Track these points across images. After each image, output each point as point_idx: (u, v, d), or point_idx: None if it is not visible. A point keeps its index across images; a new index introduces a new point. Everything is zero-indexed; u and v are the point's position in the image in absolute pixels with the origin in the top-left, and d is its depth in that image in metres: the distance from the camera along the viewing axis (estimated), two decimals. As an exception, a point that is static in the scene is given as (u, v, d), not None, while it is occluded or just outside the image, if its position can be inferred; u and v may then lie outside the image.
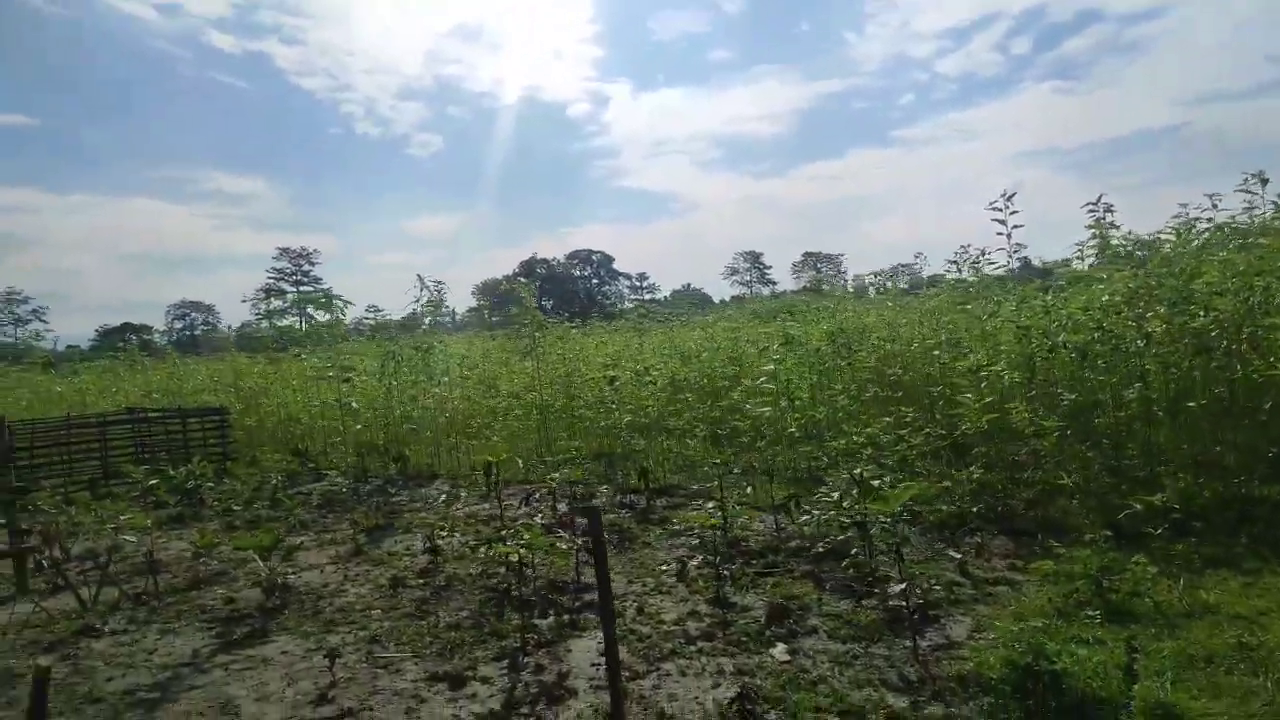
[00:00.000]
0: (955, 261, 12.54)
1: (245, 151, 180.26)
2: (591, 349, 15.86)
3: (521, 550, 5.93)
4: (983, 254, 11.32)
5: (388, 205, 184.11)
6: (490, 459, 12.16)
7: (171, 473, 12.27)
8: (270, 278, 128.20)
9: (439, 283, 14.83)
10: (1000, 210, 9.75)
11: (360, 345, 17.76)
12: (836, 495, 6.85)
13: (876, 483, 6.48)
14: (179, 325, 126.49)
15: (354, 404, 13.11)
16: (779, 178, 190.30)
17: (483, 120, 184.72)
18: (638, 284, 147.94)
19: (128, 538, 9.94)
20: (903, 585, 5.28)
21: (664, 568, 7.60)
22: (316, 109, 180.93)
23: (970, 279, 11.62)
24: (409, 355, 14.63)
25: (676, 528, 8.95)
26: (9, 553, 8.15)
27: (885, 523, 6.31)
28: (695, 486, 11.09)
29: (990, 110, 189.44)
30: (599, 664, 5.41)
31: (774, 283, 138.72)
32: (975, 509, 8.17)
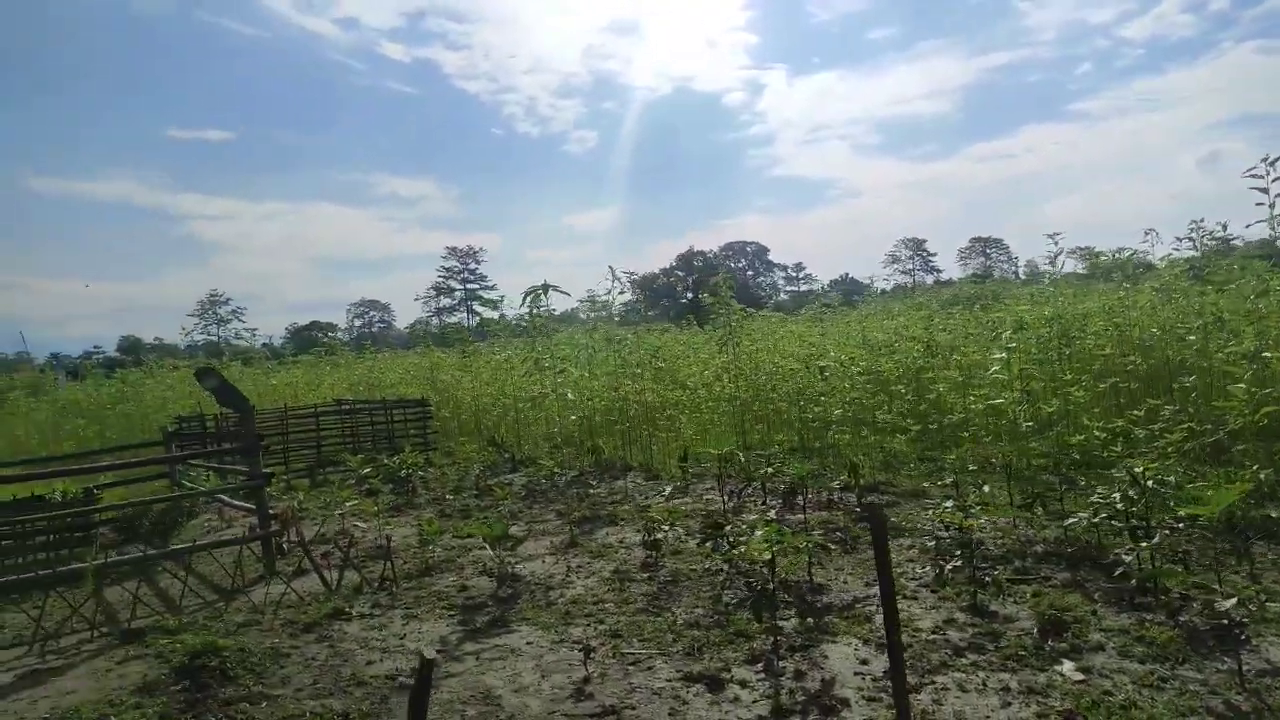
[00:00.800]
0: (1190, 237, 11.36)
1: (415, 155, 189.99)
2: (784, 340, 15.45)
3: (768, 547, 5.67)
4: (1223, 228, 10.17)
5: (547, 202, 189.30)
6: (688, 451, 12.05)
7: (386, 461, 12.84)
8: (440, 276, 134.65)
9: (623, 274, 14.89)
10: (1261, 177, 8.70)
11: (553, 338, 18.11)
12: (1115, 495, 6.19)
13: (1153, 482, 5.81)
14: (358, 323, 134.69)
15: (569, 394, 13.25)
16: (943, 160, 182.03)
17: (637, 114, 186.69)
18: (793, 274, 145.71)
19: (358, 524, 10.46)
20: (1231, 600, 4.64)
21: (899, 570, 7.17)
22: (480, 111, 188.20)
23: (1196, 255, 10.51)
24: (601, 347, 14.72)
25: (900, 527, 8.49)
26: (260, 536, 8.68)
27: (1176, 527, 5.63)
28: (905, 485, 10.54)
29: (1181, 77, 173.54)
30: (863, 673, 5.08)
31: (938, 270, 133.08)
32: (1256, 513, 7.26)
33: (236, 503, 10.15)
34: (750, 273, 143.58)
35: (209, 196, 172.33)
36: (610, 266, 14.46)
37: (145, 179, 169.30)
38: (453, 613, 7.00)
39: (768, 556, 5.79)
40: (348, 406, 17.57)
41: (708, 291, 13.86)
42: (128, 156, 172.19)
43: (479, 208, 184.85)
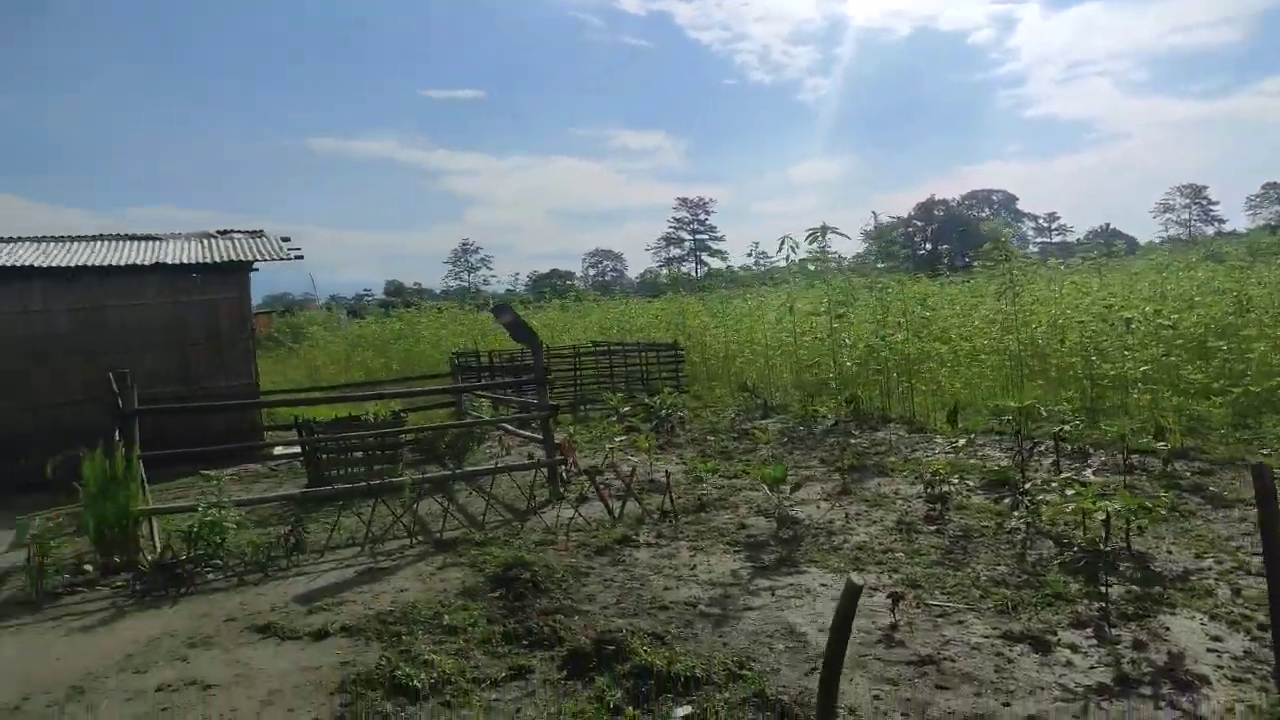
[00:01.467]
0: None
1: (647, 108, 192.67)
2: (1066, 292, 14.21)
3: (1099, 508, 5.21)
4: None
5: (776, 153, 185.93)
6: (958, 405, 11.44)
7: (647, 400, 13.23)
8: (670, 226, 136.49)
9: (879, 214, 14.24)
10: None
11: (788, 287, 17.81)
12: None
13: None
14: (592, 272, 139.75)
15: (846, 340, 12.98)
16: (1229, 96, 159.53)
17: (873, 59, 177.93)
18: (1045, 225, 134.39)
19: (628, 458, 10.86)
20: None
21: (1233, 543, 6.41)
22: (712, 61, 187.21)
23: None
24: (860, 296, 14.25)
25: (1221, 498, 7.60)
26: (548, 463, 9.22)
27: None
28: (1218, 452, 9.42)
29: None
30: (1217, 650, 4.58)
31: (1220, 220, 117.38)
32: None
33: (522, 432, 10.83)
34: (995, 222, 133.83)
35: (459, 152, 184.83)
36: (874, 212, 13.90)
37: (405, 137, 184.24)
38: (736, 549, 7.09)
39: (1101, 517, 5.33)
40: (603, 348, 18.27)
41: (989, 237, 12.94)
42: (389, 116, 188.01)
43: (707, 160, 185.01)
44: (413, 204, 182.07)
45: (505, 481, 9.91)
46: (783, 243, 14.17)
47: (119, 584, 7.21)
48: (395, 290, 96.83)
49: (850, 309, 13.50)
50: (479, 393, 13.29)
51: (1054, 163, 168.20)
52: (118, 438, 9.83)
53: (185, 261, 13.11)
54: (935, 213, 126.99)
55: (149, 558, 7.28)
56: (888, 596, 5.33)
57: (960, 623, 5.17)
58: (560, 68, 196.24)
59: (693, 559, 6.89)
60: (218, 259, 13.36)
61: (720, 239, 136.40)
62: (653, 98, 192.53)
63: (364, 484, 8.47)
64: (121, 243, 14.29)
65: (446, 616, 5.79)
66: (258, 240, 14.98)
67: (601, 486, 8.56)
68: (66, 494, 10.73)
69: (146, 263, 12.90)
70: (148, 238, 14.72)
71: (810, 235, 13.27)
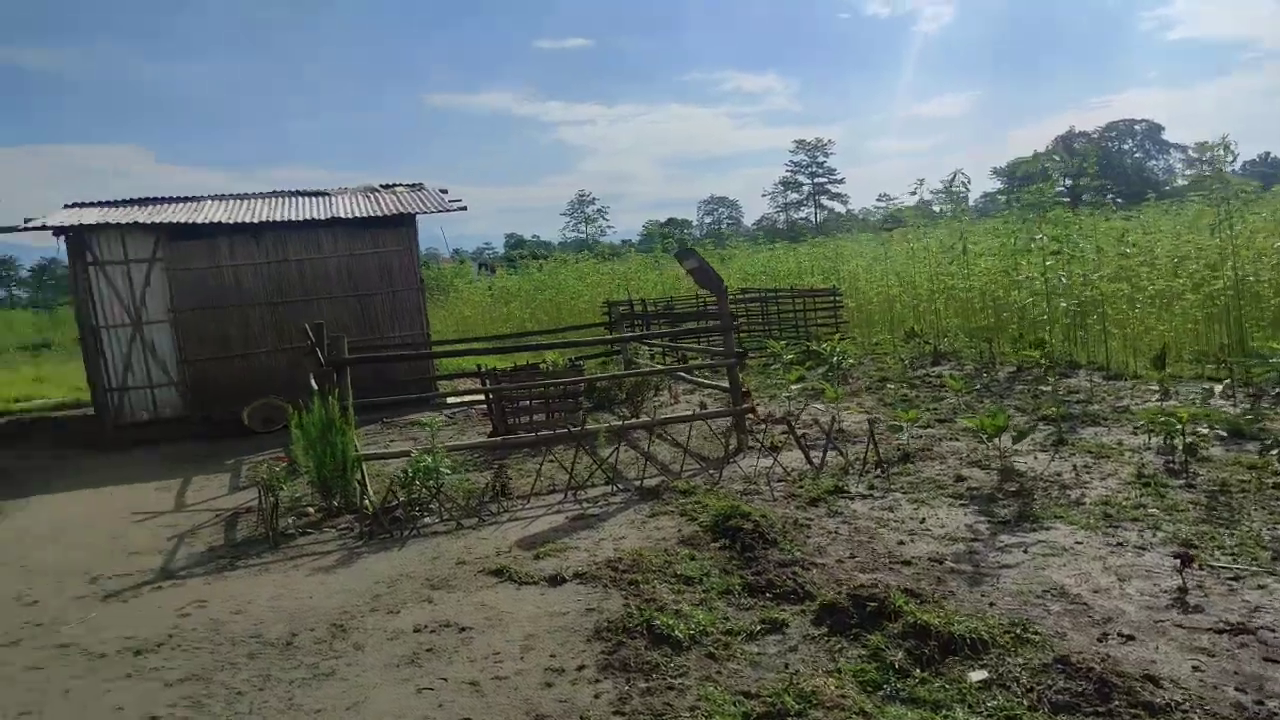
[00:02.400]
0: None
1: (759, 49, 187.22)
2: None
3: None
4: None
5: (894, 90, 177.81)
6: (1165, 348, 10.58)
7: (817, 347, 12.85)
8: (788, 170, 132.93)
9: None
10: None
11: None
12: None
13: None
14: (708, 220, 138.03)
15: (1063, 279, 12.17)
16: None
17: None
18: (1195, 156, 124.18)
19: (817, 406, 10.57)
20: None
21: None
22: None
23: None
24: (1042, 238, 13.33)
25: None
26: (738, 410, 9.04)
27: None
28: None
29: None
30: None
31: None
32: None
33: (699, 379, 10.67)
34: (1139, 155, 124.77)
35: (571, 104, 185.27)
36: (1041, 152, 12.86)
37: (518, 90, 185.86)
38: (962, 502, 6.73)
39: None
40: (754, 295, 17.91)
41: (1133, 171, 11.82)
42: (503, 70, 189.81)
43: (821, 100, 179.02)
44: (527, 157, 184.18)
45: (682, 429, 9.81)
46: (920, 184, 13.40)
47: (343, 526, 7.48)
48: (515, 243, 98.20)
49: (1034, 248, 12.61)
50: (650, 342, 13.19)
51: (1204, 88, 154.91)
52: (317, 386, 10.22)
53: (358, 215, 13.45)
54: (1074, 145, 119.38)
55: (371, 502, 7.51)
56: (1174, 556, 4.89)
57: (1263, 588, 4.69)
58: (667, 12, 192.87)
59: (916, 512, 6.58)
60: (387, 212, 13.65)
61: (840, 181, 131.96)
62: (765, 38, 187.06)
63: (564, 431, 8.48)
64: (295, 198, 14.80)
65: (677, 566, 5.71)
66: (420, 193, 15.24)
67: (800, 435, 8.30)
68: (267, 440, 11.30)
69: (323, 217, 13.30)
70: (318, 193, 15.19)
71: (951, 180, 12.47)
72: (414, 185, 15.90)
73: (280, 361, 13.30)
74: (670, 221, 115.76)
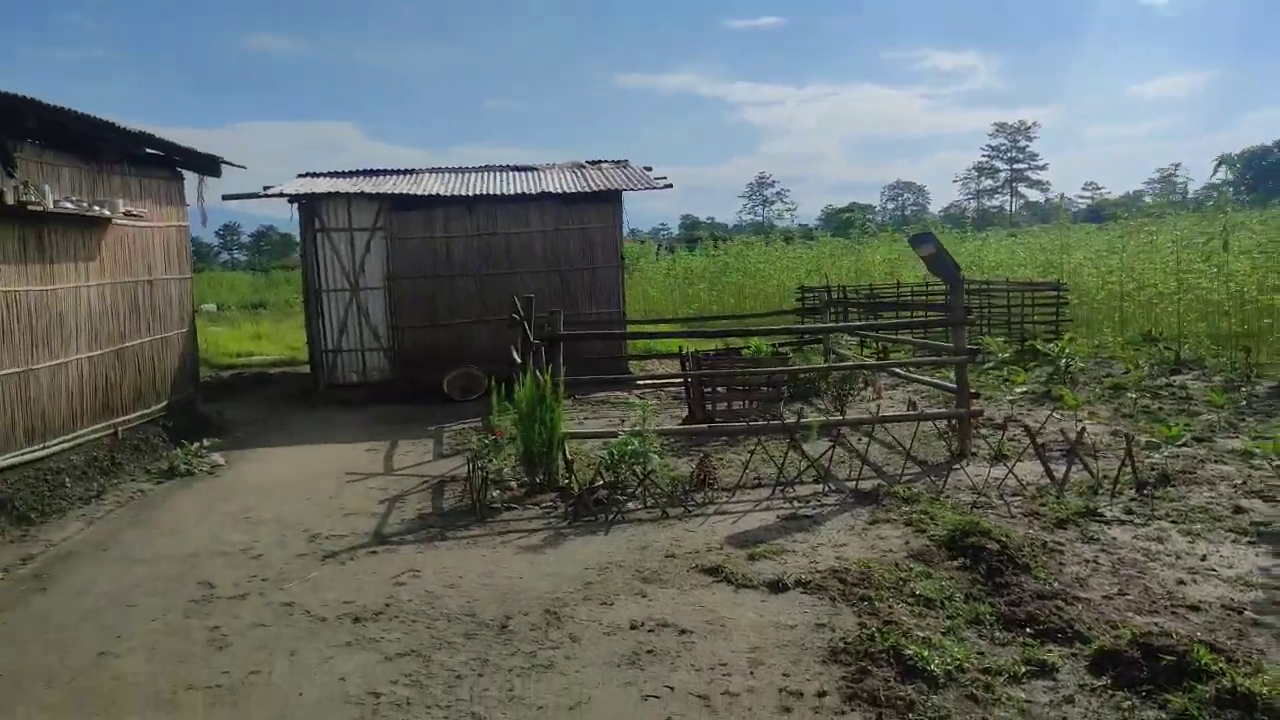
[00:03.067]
0: None
1: (959, 24, 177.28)
2: None
3: None
4: None
5: (1114, 69, 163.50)
6: None
7: (1042, 347, 11.74)
8: (984, 155, 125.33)
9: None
10: None
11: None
12: None
13: None
14: (891, 205, 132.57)
15: None
16: None
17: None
18: None
19: (1043, 412, 9.61)
20: None
21: None
22: None
23: None
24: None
25: None
26: (963, 413, 8.28)
27: None
28: None
29: None
30: None
31: None
32: None
33: (917, 377, 9.91)
34: None
35: (759, 84, 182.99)
36: None
37: (705, 70, 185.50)
38: (1249, 539, 5.77)
39: None
40: (971, 287, 16.67)
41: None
42: (692, 49, 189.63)
43: (1027, 79, 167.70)
44: (710, 137, 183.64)
45: (894, 429, 9.12)
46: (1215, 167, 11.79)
47: (546, 504, 7.39)
48: (691, 224, 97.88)
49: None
50: (862, 332, 12.48)
51: None
52: (520, 359, 10.26)
53: (566, 190, 13.49)
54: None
55: (577, 481, 7.37)
56: None
57: None
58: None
59: (1192, 546, 5.69)
60: (594, 188, 13.62)
61: (1041, 168, 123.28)
62: (967, 12, 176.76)
63: (775, 421, 8.04)
64: (505, 173, 15.08)
65: (913, 584, 5.16)
66: (625, 170, 15.15)
67: (1040, 446, 7.47)
68: (464, 408, 11.45)
69: (533, 192, 13.43)
70: (526, 168, 15.41)
71: (1219, 163, 10.87)
72: (619, 162, 15.84)
73: (482, 332, 13.58)
74: (851, 206, 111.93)
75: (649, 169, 15.46)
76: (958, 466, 7.95)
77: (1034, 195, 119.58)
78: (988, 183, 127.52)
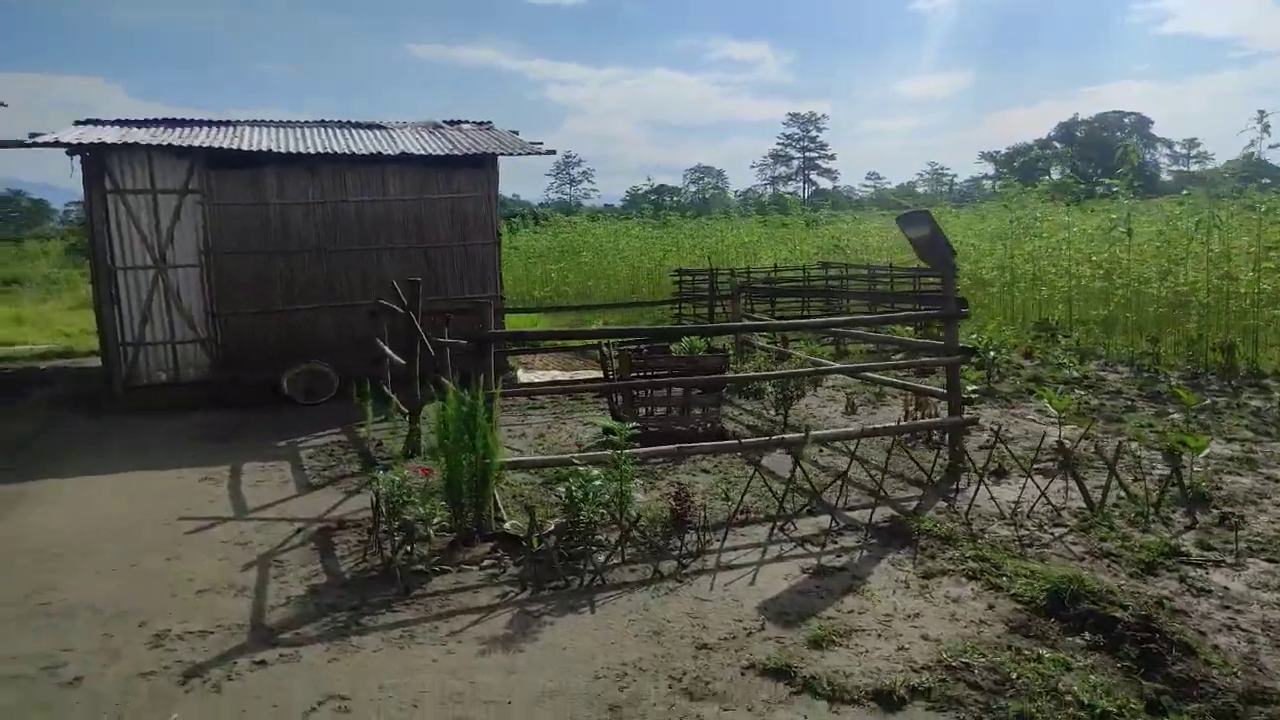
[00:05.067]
0: None
1: (752, 18, 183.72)
2: None
3: None
4: None
5: (886, 67, 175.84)
6: None
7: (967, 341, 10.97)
8: (779, 144, 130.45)
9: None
10: None
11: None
12: None
13: None
14: (693, 188, 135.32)
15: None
16: None
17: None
18: (1183, 151, 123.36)
19: (1033, 422, 8.74)
20: None
21: None
22: None
23: None
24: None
25: None
26: (957, 422, 7.14)
27: None
28: None
29: None
30: None
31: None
32: None
33: (921, 385, 8.63)
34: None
35: (559, 62, 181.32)
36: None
37: (505, 46, 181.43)
38: (1372, 583, 4.92)
39: None
40: (840, 272, 15.97)
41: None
42: (492, 23, 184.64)
43: (813, 74, 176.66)
44: (511, 113, 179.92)
45: (865, 442, 7.91)
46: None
47: (487, 561, 5.52)
48: (500, 202, 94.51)
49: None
50: (833, 331, 11.14)
51: (1189, 84, 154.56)
52: (399, 358, 8.23)
53: (432, 153, 11.30)
54: (1077, 134, 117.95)
55: (533, 528, 5.54)
56: None
57: None
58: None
59: (1315, 598, 4.76)
60: (464, 150, 11.52)
61: (831, 157, 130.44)
62: (757, 7, 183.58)
63: (764, 438, 6.54)
64: (350, 130, 12.60)
65: (1060, 682, 3.84)
66: (494, 133, 13.11)
67: (1071, 461, 6.43)
68: (311, 413, 9.32)
69: (391, 152, 11.13)
70: (374, 126, 12.99)
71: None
72: (483, 124, 13.74)
73: (328, 321, 11.22)
74: (661, 188, 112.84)
75: (515, 133, 13.51)
76: (959, 487, 6.82)
77: (824, 183, 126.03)
78: (782, 169, 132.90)
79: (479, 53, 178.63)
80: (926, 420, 7.74)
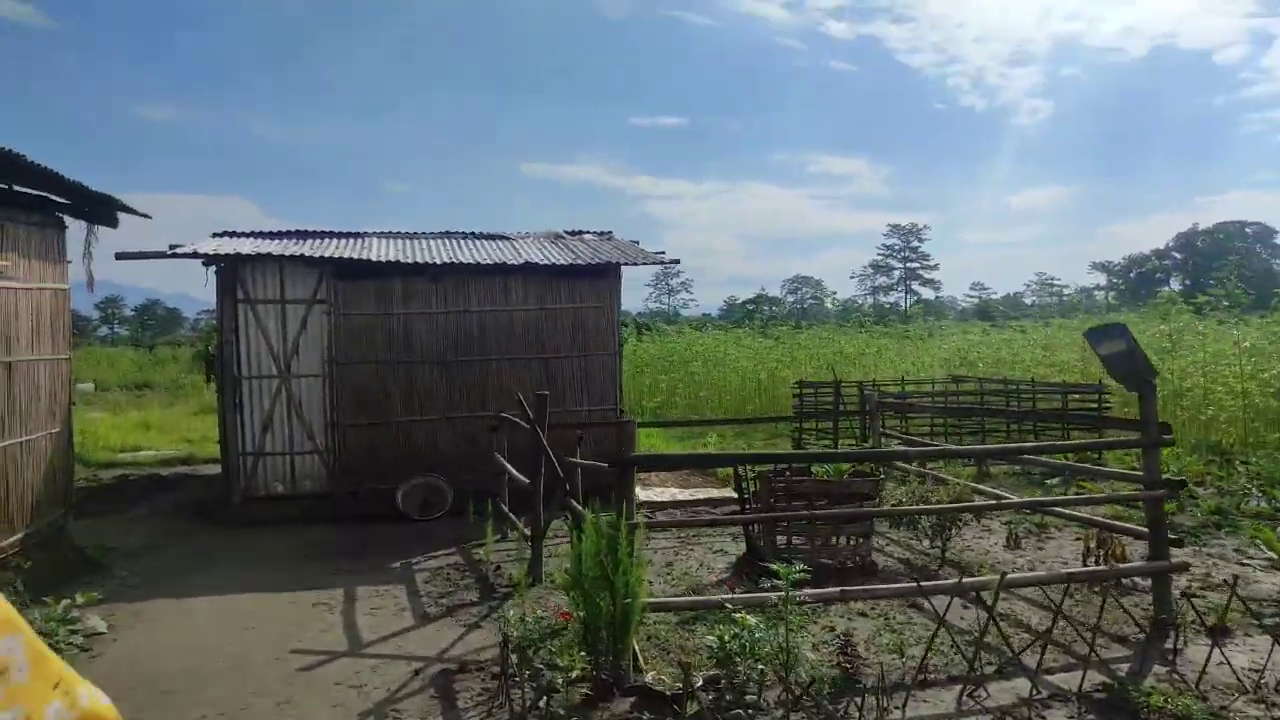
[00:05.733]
0: None
1: (849, 134, 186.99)
2: None
3: None
4: None
5: (988, 180, 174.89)
6: None
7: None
8: (879, 254, 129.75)
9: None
10: None
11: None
12: None
13: None
14: (790, 298, 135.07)
15: None
16: None
17: (1102, 80, 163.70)
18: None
19: (1236, 564, 7.59)
20: None
21: None
22: (921, 85, 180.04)
23: None
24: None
25: None
26: (1162, 568, 6.12)
27: None
28: None
29: None
30: None
31: None
32: None
33: (1106, 520, 7.62)
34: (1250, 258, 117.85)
35: (660, 178, 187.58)
36: None
37: (608, 163, 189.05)
38: None
39: None
40: (996, 386, 14.89)
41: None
42: (595, 143, 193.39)
43: (911, 187, 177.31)
44: (613, 227, 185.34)
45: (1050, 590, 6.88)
46: None
47: (627, 716, 4.79)
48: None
49: None
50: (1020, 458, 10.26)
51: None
52: (519, 476, 7.75)
53: (556, 262, 11.12)
54: (1197, 244, 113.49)
55: (667, 688, 4.81)
56: None
57: None
58: (760, 94, 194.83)
59: None
60: (587, 260, 11.30)
61: (933, 267, 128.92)
62: (855, 123, 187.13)
63: (952, 582, 5.68)
64: (473, 241, 12.62)
65: None
66: (616, 242, 12.94)
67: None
68: (425, 529, 8.86)
69: (515, 262, 10.99)
70: (497, 236, 13.00)
71: None
72: (603, 233, 13.64)
73: (446, 432, 10.92)
74: (759, 298, 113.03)
75: (636, 242, 13.32)
76: (1176, 646, 5.74)
77: (927, 293, 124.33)
78: (883, 280, 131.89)
79: (582, 170, 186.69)
80: (1132, 565, 6.69)
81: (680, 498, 11.13)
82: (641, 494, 11.32)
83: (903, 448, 9.32)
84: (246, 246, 10.68)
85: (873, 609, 6.59)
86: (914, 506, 7.28)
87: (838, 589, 5.76)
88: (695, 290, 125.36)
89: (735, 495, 11.03)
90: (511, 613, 5.23)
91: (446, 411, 10.93)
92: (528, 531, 7.76)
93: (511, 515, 8.76)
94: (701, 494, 11.34)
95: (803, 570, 4.86)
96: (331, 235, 12.21)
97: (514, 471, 8.44)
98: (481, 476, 9.81)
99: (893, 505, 7.77)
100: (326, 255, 10.55)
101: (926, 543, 8.30)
